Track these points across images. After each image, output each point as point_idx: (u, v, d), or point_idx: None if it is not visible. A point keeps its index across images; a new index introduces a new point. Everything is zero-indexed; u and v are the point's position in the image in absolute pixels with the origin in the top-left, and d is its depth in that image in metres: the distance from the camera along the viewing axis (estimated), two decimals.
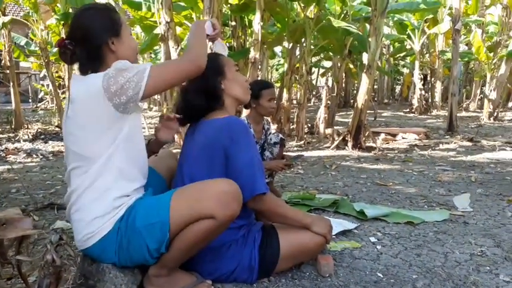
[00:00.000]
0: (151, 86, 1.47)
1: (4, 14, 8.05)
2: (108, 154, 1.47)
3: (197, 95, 1.69)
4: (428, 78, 14.53)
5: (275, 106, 2.74)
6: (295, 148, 5.94)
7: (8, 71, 8.14)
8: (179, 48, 5.66)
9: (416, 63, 12.78)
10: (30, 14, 8.82)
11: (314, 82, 17.92)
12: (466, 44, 16.27)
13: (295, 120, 6.95)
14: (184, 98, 1.73)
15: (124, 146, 1.50)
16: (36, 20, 8.59)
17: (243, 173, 1.58)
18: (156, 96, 11.83)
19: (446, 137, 7.09)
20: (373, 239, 2.23)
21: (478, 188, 3.39)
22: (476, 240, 2.20)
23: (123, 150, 1.50)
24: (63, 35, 1.65)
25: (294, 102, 8.76)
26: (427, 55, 14.49)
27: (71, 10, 6.67)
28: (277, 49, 11.74)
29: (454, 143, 6.28)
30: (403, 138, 6.80)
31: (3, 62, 8.37)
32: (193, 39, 1.65)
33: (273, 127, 6.50)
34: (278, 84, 12.39)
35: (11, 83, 7.94)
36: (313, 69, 15.65)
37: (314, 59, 11.67)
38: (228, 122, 1.64)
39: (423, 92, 12.92)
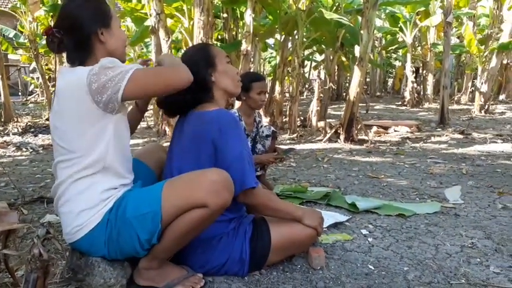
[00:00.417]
0: (131, 89, 1.42)
1: None
2: (94, 152, 1.45)
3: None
4: (420, 71, 14.57)
5: (265, 99, 2.72)
6: (288, 141, 5.93)
7: None
8: (170, 40, 5.61)
9: (408, 56, 12.80)
10: (18, 5, 8.69)
11: (306, 75, 17.92)
12: (458, 37, 16.34)
13: (287, 113, 6.93)
14: None
15: (111, 146, 1.47)
16: (25, 12, 8.47)
17: (232, 167, 1.56)
18: None
19: (438, 129, 7.12)
20: (364, 232, 2.23)
21: (469, 180, 3.41)
22: (467, 232, 2.21)
23: (109, 150, 1.47)
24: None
25: (287, 95, 8.75)
26: (419, 48, 14.52)
27: (59, 1, 6.59)
28: (270, 41, 11.69)
29: (446, 135, 6.31)
30: (395, 131, 6.82)
31: None
32: (173, 61, 1.60)
33: (266, 120, 6.49)
34: (270, 77, 12.36)
35: (0, 76, 7.82)
36: (306, 62, 15.64)
37: (306, 52, 11.66)
38: (218, 114, 1.62)
39: (415, 84, 12.96)
